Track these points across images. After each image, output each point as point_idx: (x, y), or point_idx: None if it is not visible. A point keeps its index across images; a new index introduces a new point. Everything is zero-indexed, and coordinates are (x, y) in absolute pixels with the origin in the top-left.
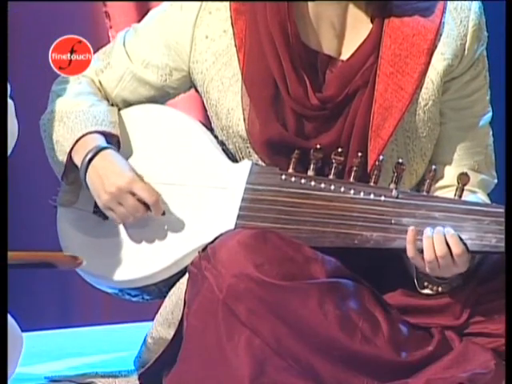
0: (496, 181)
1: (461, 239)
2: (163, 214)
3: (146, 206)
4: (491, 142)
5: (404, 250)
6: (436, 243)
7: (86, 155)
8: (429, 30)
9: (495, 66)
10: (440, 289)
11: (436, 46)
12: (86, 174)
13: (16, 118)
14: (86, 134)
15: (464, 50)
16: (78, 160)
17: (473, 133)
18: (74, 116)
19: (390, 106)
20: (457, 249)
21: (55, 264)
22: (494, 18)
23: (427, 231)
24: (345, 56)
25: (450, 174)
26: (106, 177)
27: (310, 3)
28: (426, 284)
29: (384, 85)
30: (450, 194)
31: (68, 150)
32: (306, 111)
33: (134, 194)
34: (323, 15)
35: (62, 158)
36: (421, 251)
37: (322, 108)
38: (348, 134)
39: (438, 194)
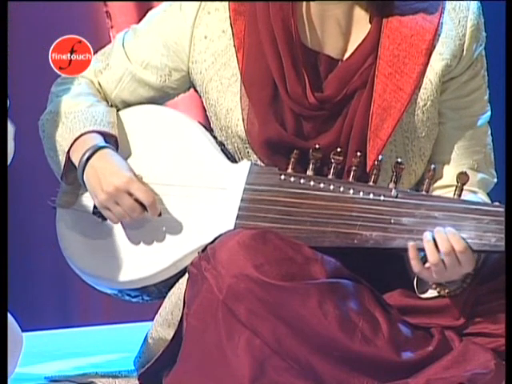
0: (496, 180)
1: (462, 237)
2: (160, 215)
3: (143, 206)
4: (490, 142)
5: (403, 250)
6: (439, 241)
7: (84, 154)
8: (427, 30)
9: (494, 66)
10: (447, 291)
11: (434, 47)
12: (83, 173)
13: (13, 125)
14: (84, 133)
15: (462, 50)
16: (75, 159)
17: (471, 132)
18: (72, 116)
19: (389, 107)
20: (459, 246)
21: None
22: (493, 17)
23: (426, 235)
24: (347, 56)
25: (450, 173)
26: (103, 176)
27: (312, 2)
28: (434, 286)
29: (382, 85)
30: (449, 193)
31: (66, 150)
32: (304, 111)
33: (131, 194)
34: (328, 14)
35: (61, 157)
36: (424, 261)
37: (320, 108)
38: (347, 134)
39: (438, 193)
